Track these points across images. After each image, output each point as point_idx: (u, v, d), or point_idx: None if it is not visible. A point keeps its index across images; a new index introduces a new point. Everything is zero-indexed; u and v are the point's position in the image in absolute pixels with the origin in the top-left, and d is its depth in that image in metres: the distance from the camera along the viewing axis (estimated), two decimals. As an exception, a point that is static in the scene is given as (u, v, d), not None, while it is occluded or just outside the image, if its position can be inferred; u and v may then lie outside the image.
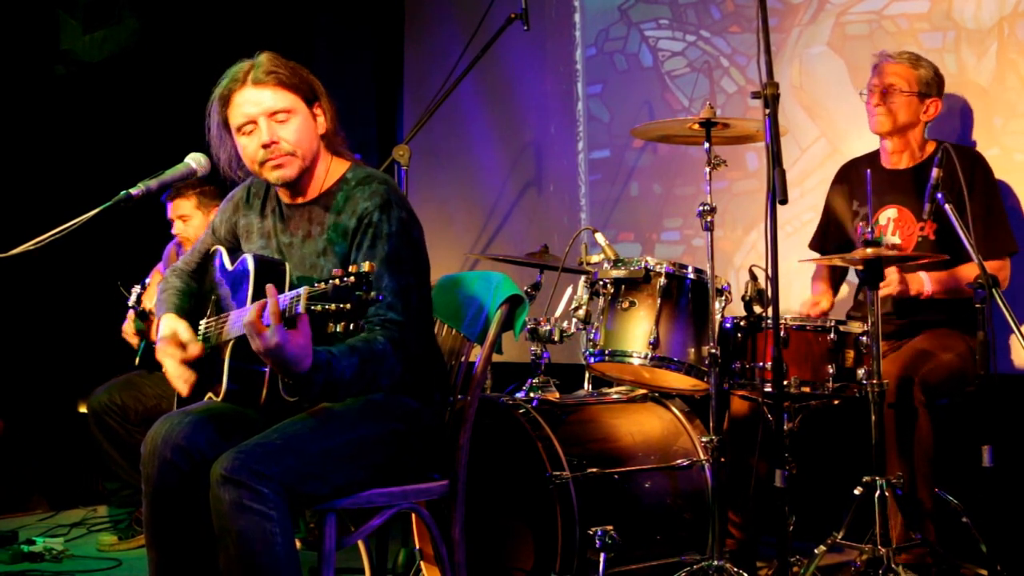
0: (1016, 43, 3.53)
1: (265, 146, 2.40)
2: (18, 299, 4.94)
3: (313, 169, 2.47)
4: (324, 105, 2.46)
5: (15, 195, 4.92)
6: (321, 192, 2.47)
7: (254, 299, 2.33)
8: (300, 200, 2.50)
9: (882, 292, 3.07)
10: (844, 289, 3.77)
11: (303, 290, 2.03)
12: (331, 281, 1.99)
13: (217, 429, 2.32)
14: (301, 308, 2.02)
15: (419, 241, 2.47)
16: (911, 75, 3.36)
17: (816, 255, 3.61)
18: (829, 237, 3.61)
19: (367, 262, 2.01)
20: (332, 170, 2.49)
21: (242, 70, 2.42)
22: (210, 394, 2.44)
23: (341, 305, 1.96)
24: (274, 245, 2.52)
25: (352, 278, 1.97)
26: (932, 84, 3.37)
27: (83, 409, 4.50)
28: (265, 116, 2.39)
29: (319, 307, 1.98)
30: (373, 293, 1.98)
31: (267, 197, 2.57)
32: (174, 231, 4.20)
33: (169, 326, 2.49)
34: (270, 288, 2.06)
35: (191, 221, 4.13)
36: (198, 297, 2.64)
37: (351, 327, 1.99)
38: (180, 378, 2.45)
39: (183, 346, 2.45)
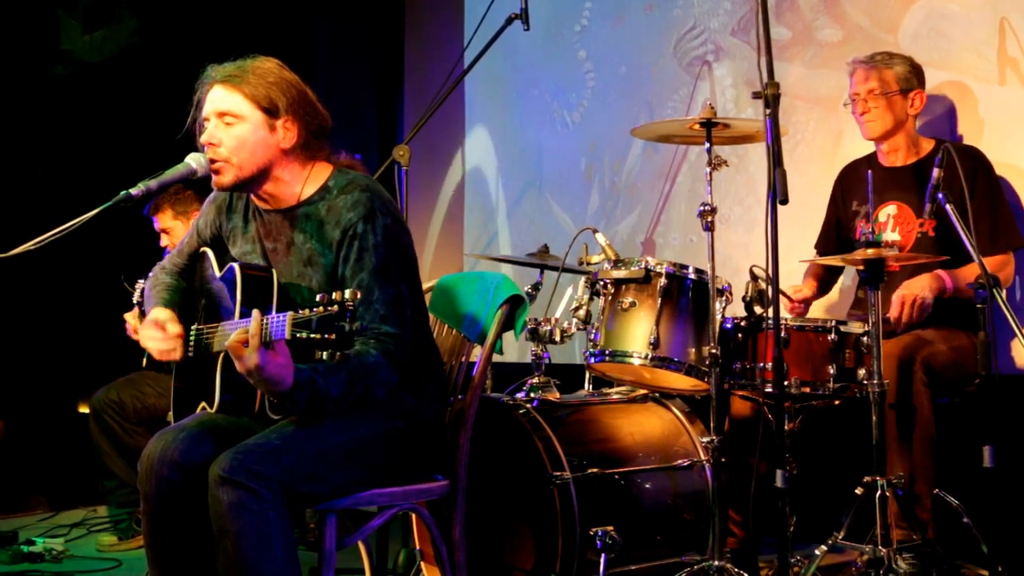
0: (1015, 42, 3.53)
1: (205, 144, 2.41)
2: (18, 299, 4.94)
3: (271, 178, 2.43)
4: (292, 121, 2.40)
5: (15, 195, 4.92)
6: (300, 200, 2.45)
7: (242, 314, 2.34)
8: (275, 207, 2.48)
9: (894, 314, 3.09)
10: (846, 288, 3.77)
11: (287, 317, 2.05)
12: (315, 309, 2.01)
13: (213, 443, 2.31)
14: (286, 335, 2.05)
15: (407, 246, 2.46)
16: (887, 75, 3.36)
17: (818, 256, 3.62)
18: (831, 240, 3.62)
19: (349, 290, 2.03)
20: (312, 177, 2.46)
21: (221, 68, 2.43)
22: (203, 404, 2.44)
23: (326, 335, 2.00)
24: (259, 250, 2.51)
25: (335, 307, 1.99)
26: (910, 77, 3.37)
27: (83, 409, 4.50)
28: (215, 115, 2.40)
29: (304, 335, 2.02)
30: (358, 324, 2.01)
31: (248, 200, 2.56)
32: (162, 244, 4.22)
33: (154, 314, 2.53)
34: (256, 313, 2.08)
35: (174, 232, 4.16)
36: (187, 295, 2.64)
37: (336, 356, 2.00)
38: (170, 347, 2.49)
39: (163, 327, 2.49)
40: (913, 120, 3.42)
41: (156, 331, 2.50)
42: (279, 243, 2.48)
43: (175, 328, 2.51)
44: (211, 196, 2.65)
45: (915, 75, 3.39)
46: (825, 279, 3.67)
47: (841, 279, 3.83)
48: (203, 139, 2.41)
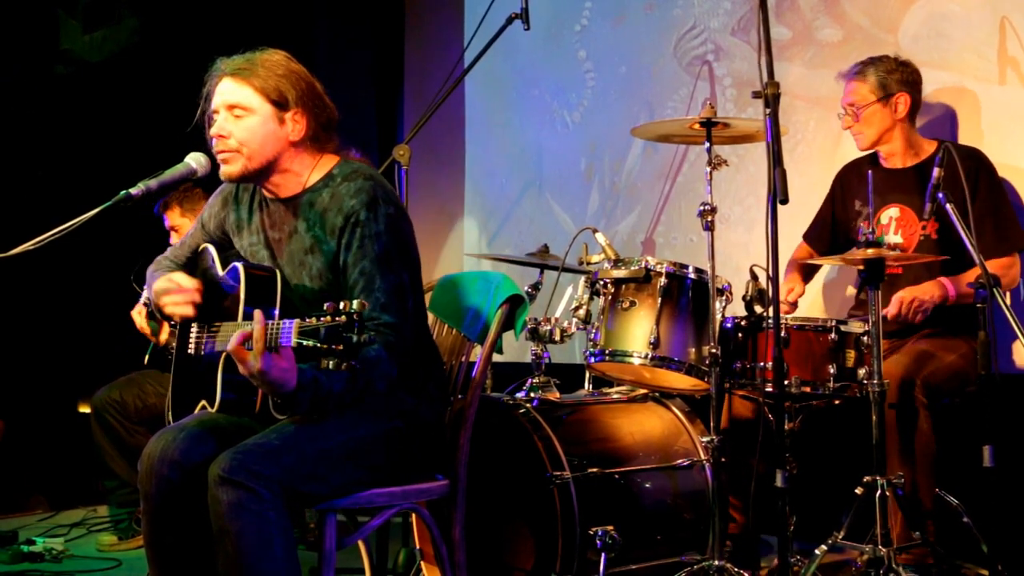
0: (1015, 42, 3.53)
1: (215, 137, 2.41)
2: (18, 299, 4.94)
3: (279, 169, 2.44)
4: (301, 113, 2.42)
5: (15, 195, 4.91)
6: (305, 188, 2.46)
7: (246, 314, 2.34)
8: (282, 196, 2.49)
9: (911, 317, 3.10)
10: (847, 289, 3.77)
11: (295, 324, 2.04)
12: (322, 318, 2.00)
13: (214, 442, 2.31)
14: (292, 343, 2.04)
15: (409, 235, 2.46)
16: (863, 86, 3.38)
17: (808, 248, 3.63)
18: (824, 235, 3.61)
19: (357, 300, 2.02)
20: (319, 167, 2.48)
21: (230, 61, 2.44)
22: (204, 402, 2.44)
23: (333, 346, 1.99)
24: (264, 240, 2.52)
25: (343, 317, 1.99)
26: (889, 82, 3.36)
27: (84, 409, 4.49)
28: (225, 108, 2.40)
29: (311, 343, 2.01)
30: (365, 336, 2.00)
31: (255, 191, 2.57)
32: (171, 242, 4.21)
33: (162, 281, 2.53)
34: (257, 315, 2.08)
35: (182, 230, 4.15)
36: None
37: (343, 366, 2.00)
38: (189, 295, 2.48)
39: (178, 285, 2.49)
40: (905, 122, 3.41)
41: (174, 291, 2.49)
42: (283, 232, 2.49)
43: (188, 282, 2.49)
44: (218, 189, 2.65)
45: (896, 79, 3.37)
46: (808, 269, 3.69)
47: (840, 277, 3.83)
48: (213, 131, 2.42)
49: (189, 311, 2.49)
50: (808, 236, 3.67)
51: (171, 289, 2.50)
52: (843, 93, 3.45)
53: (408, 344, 2.35)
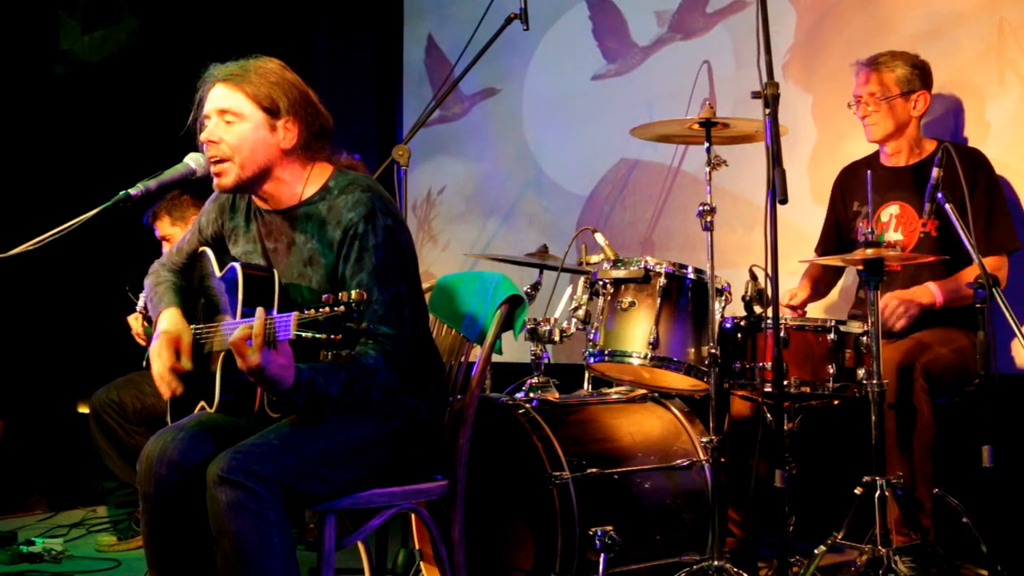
0: (1015, 41, 3.53)
1: (206, 142, 2.41)
2: (18, 299, 4.95)
3: (271, 178, 2.43)
4: (293, 121, 2.40)
5: (15, 195, 4.92)
6: (301, 200, 2.46)
7: (244, 313, 2.34)
8: (275, 207, 2.48)
9: (893, 323, 3.10)
10: (846, 288, 3.77)
11: (293, 317, 2.04)
12: (321, 309, 2.01)
13: (212, 442, 2.31)
14: (291, 335, 2.05)
15: (407, 247, 2.46)
16: (887, 78, 3.37)
17: (817, 257, 3.63)
18: (831, 242, 3.61)
19: (355, 291, 2.03)
20: (312, 178, 2.46)
21: (223, 67, 2.43)
22: (203, 403, 2.44)
23: (332, 336, 2.00)
24: (260, 250, 2.51)
25: (342, 307, 2.00)
26: (913, 79, 3.37)
27: (83, 409, 4.50)
28: (216, 113, 2.40)
29: (310, 335, 2.02)
30: (365, 324, 2.01)
31: (250, 200, 2.56)
32: (164, 252, 4.21)
33: (174, 326, 2.50)
34: (260, 311, 2.08)
35: (173, 239, 4.14)
36: (187, 294, 2.64)
37: (343, 355, 2.01)
38: (167, 383, 2.45)
39: (177, 355, 2.45)
40: (916, 121, 3.42)
41: (169, 355, 2.45)
42: (280, 243, 2.48)
43: (187, 363, 2.46)
44: (214, 195, 2.64)
45: (918, 76, 3.38)
46: (823, 281, 3.67)
47: (841, 280, 3.83)
48: (203, 136, 2.41)
49: (178, 390, 2.46)
50: (817, 249, 3.66)
51: (165, 362, 2.45)
52: (861, 81, 3.42)
53: (405, 353, 2.36)
